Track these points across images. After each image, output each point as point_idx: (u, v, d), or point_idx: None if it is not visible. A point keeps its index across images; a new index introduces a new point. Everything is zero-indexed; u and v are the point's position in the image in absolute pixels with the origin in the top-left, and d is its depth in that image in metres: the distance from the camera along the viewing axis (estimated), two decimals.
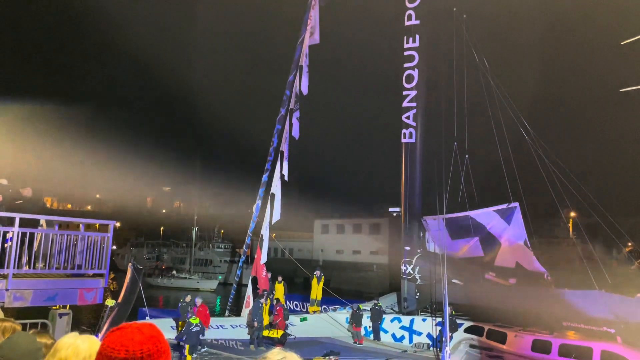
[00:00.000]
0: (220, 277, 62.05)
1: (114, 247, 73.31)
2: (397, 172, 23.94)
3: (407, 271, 22.85)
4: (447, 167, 21.48)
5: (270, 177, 23.00)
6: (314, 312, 22.55)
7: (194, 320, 16.27)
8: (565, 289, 20.36)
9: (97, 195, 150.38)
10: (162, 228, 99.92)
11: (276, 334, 19.12)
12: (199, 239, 72.50)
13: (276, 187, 22.78)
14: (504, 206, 21.93)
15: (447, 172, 21.31)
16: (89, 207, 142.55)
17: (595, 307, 18.08)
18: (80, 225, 11.78)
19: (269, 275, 22.78)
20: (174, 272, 65.31)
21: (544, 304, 19.43)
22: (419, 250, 23.10)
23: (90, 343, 2.29)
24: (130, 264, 15.35)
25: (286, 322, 20.32)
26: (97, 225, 12.99)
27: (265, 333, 19.21)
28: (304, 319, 21.30)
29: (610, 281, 20.86)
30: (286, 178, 23.05)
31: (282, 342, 18.64)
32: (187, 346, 15.89)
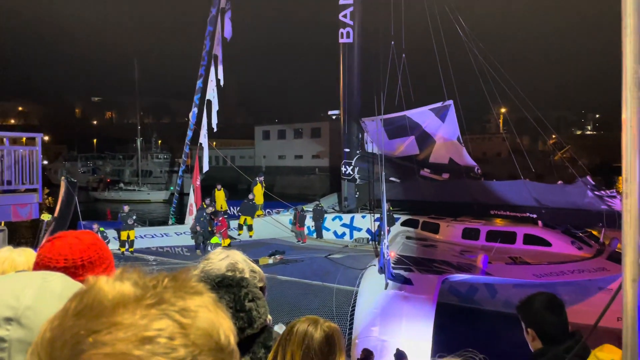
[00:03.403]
0: (172, 188, 61.04)
1: (46, 162, 69.91)
2: (336, 74, 23.71)
3: (347, 172, 23.49)
4: (384, 67, 21.45)
5: (205, 83, 22.18)
6: (258, 216, 23.06)
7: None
8: (494, 180, 21.78)
9: (20, 108, 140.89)
10: (95, 140, 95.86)
11: (222, 242, 19.41)
12: (136, 149, 70.32)
13: (212, 94, 22.09)
14: (439, 104, 22.44)
15: (384, 72, 21.30)
16: (13, 121, 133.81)
17: (519, 195, 19.51)
18: (5, 139, 11.11)
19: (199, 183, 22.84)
20: (121, 184, 63.63)
21: (474, 195, 20.79)
22: (358, 152, 23.63)
23: (27, 255, 2.22)
24: (63, 178, 14.87)
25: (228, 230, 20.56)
26: (24, 139, 12.32)
27: (214, 240, 19.41)
28: (215, 240, 21.62)
29: (535, 171, 22.44)
30: (222, 83, 22.32)
31: None
32: None
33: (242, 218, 21.83)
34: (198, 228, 19.01)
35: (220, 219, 20.19)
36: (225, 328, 0.68)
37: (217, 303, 0.70)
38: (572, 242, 17.58)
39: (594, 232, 18.69)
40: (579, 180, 18.87)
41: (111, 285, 0.66)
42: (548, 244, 17.70)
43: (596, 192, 18.00)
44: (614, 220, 16.50)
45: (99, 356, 0.59)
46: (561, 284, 14.61)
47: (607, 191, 18.18)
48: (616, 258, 15.38)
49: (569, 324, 2.56)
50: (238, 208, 22.86)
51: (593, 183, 18.45)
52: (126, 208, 19.83)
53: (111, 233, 19.46)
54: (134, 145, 69.44)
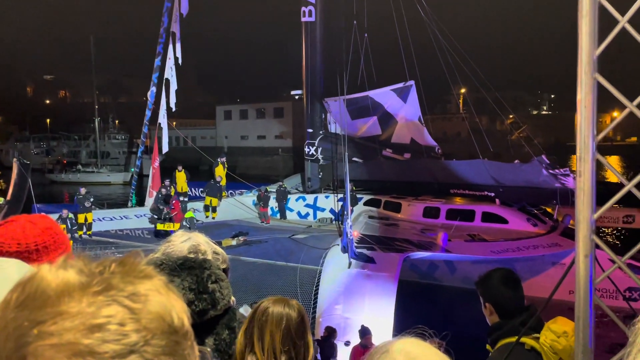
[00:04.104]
0: (132, 170, 59.35)
1: None
2: (298, 53, 23.48)
3: (310, 152, 23.48)
4: (346, 47, 21.40)
5: (163, 61, 21.58)
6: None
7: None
8: (454, 159, 22.23)
9: None
10: (48, 120, 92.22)
11: (172, 226, 18.76)
12: (93, 130, 68.02)
13: (170, 72, 21.54)
14: (401, 85, 22.62)
15: (347, 51, 21.26)
16: None
17: (478, 174, 20.02)
18: None
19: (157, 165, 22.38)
20: (79, 166, 61.49)
21: (435, 175, 21.20)
22: (321, 132, 23.62)
23: None
24: (15, 160, 14.30)
25: (184, 214, 20.12)
26: None
27: (160, 226, 18.94)
28: (190, 214, 21.19)
29: (493, 150, 23.01)
30: (180, 62, 21.77)
31: None
32: None
33: (208, 199, 21.51)
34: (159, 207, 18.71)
35: (174, 202, 19.68)
36: (178, 310, 0.66)
37: (168, 285, 0.68)
38: (527, 219, 18.20)
39: (548, 209, 19.41)
40: (534, 159, 19.50)
41: (54, 273, 0.63)
42: (505, 222, 18.28)
43: (550, 171, 18.66)
44: (567, 197, 17.15)
45: (44, 347, 0.56)
46: (517, 260, 15.16)
47: (561, 169, 18.89)
48: (569, 234, 16.05)
49: (524, 298, 2.66)
50: (202, 189, 22.52)
51: (548, 162, 19.09)
52: (83, 190, 19.31)
53: None
54: (91, 125, 67.13)
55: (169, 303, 0.65)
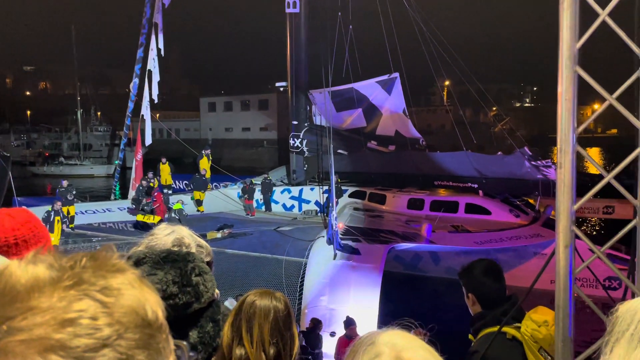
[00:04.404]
0: (117, 162, 58.48)
1: None
2: (283, 45, 23.35)
3: (295, 145, 23.43)
4: (331, 39, 21.34)
5: (146, 53, 21.30)
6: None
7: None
8: (438, 151, 22.39)
9: None
10: (29, 112, 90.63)
11: (152, 219, 18.46)
12: (75, 122, 67.01)
13: (153, 63, 21.28)
14: (385, 77, 22.64)
15: (331, 43, 21.20)
16: None
17: (462, 166, 20.20)
18: None
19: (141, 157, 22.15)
20: (62, 158, 60.51)
21: (419, 167, 21.34)
22: (306, 124, 23.57)
23: None
24: None
25: (167, 205, 19.93)
26: None
27: (140, 218, 18.68)
28: (178, 206, 21.02)
29: (476, 142, 23.21)
30: (162, 53, 21.52)
31: None
32: None
33: (197, 193, 21.18)
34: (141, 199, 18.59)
35: (156, 194, 19.47)
36: (152, 303, 0.66)
37: (142, 279, 0.68)
38: (510, 210, 18.43)
39: (530, 200, 19.66)
40: (517, 151, 19.74)
41: (24, 269, 0.62)
42: (488, 213, 18.48)
43: (533, 162, 18.91)
44: (549, 188, 17.38)
45: (14, 344, 0.55)
46: (500, 250, 15.36)
47: (543, 161, 19.16)
48: (551, 225, 16.26)
49: (506, 289, 2.70)
50: (187, 182, 22.29)
51: (530, 153, 19.34)
52: (65, 183, 19.09)
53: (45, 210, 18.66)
54: (74, 117, 66.11)
55: (142, 296, 0.64)
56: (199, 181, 21.44)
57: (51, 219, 15.76)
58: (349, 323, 9.99)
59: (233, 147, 60.11)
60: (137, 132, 22.58)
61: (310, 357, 9.67)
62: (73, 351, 0.56)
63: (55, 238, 15.41)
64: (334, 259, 13.56)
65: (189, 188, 22.01)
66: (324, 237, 15.16)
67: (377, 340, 1.01)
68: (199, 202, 21.20)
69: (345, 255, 13.69)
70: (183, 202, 19.20)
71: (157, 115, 33.52)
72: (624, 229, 2.17)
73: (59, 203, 16.97)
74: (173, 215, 17.82)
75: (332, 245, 13.93)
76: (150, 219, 18.44)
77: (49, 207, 16.32)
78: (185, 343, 0.71)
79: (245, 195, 21.39)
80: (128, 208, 19.70)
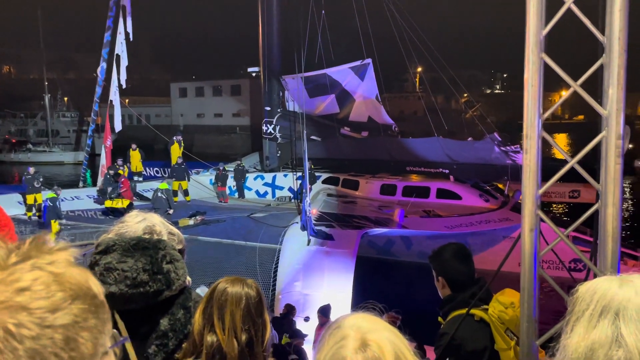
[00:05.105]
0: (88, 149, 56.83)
1: None
2: (255, 29, 23.06)
3: (268, 131, 23.29)
4: (304, 23, 21.15)
5: (114, 36, 20.76)
6: None
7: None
8: (410, 137, 22.60)
9: None
10: None
11: (121, 203, 18.12)
12: (41, 107, 65.03)
13: (121, 47, 20.77)
14: (358, 63, 22.63)
15: (304, 28, 21.03)
16: None
17: (433, 152, 20.45)
18: None
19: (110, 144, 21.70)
20: (30, 145, 58.64)
21: (392, 153, 21.51)
22: (279, 110, 23.43)
23: None
24: None
25: (134, 192, 19.54)
26: None
27: (108, 204, 18.31)
28: (164, 186, 20.83)
29: (447, 128, 23.49)
30: (131, 37, 21.00)
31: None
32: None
33: (176, 184, 20.55)
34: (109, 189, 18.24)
35: (123, 180, 19.07)
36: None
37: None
38: (480, 195, 18.78)
39: (500, 185, 20.07)
40: (487, 137, 20.07)
41: None
42: (459, 198, 18.80)
43: (502, 148, 19.27)
44: (518, 173, 17.72)
45: None
46: (470, 234, 15.67)
47: (512, 146, 19.54)
48: (519, 209, 16.59)
49: (475, 272, 2.76)
50: (168, 175, 21.69)
51: (500, 139, 19.69)
52: (31, 170, 18.61)
53: (16, 197, 18.22)
54: (41, 102, 64.10)
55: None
56: (178, 170, 20.73)
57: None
58: (324, 310, 9.94)
59: (205, 133, 59.36)
60: (105, 118, 22.05)
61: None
62: (33, 312, 0.62)
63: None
64: (308, 244, 13.61)
65: (165, 176, 21.55)
66: (297, 223, 15.19)
67: (343, 323, 1.04)
68: (186, 193, 20.68)
69: (319, 241, 13.76)
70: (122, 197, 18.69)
71: (127, 100, 32.84)
72: (587, 213, 2.24)
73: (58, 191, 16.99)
74: (160, 194, 17.55)
75: (305, 232, 13.97)
76: (118, 204, 18.13)
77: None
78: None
79: (218, 182, 21.21)
80: (94, 197, 19.36)
